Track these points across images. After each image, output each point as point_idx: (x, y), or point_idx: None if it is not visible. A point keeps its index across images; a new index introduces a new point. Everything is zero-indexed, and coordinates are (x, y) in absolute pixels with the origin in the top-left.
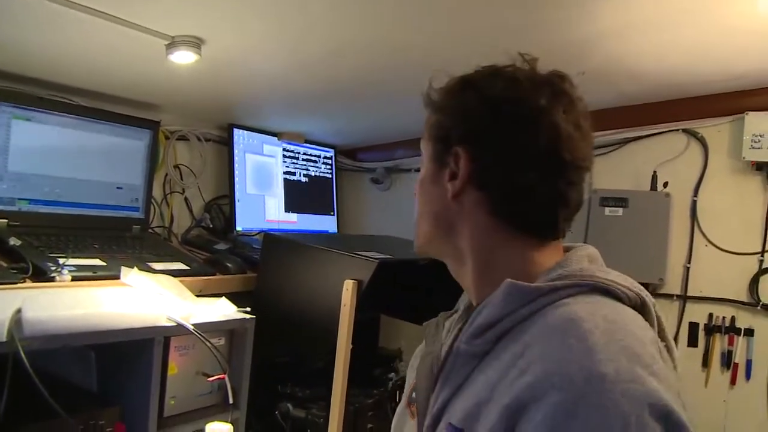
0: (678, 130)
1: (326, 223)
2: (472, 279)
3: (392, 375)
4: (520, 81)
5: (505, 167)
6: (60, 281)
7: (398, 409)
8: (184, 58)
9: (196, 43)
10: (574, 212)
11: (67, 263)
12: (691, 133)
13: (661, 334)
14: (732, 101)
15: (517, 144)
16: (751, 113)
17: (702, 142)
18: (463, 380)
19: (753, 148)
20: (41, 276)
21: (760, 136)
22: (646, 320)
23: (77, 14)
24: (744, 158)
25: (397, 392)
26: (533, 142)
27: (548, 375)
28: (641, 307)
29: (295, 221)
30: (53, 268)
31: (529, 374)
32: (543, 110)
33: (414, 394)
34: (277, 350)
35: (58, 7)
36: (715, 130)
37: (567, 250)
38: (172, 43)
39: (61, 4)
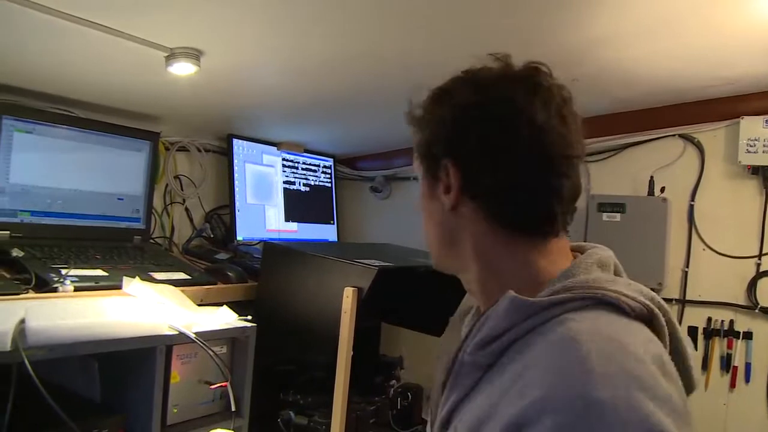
0: (674, 135)
1: (326, 232)
2: (478, 287)
3: (393, 382)
4: (491, 82)
5: (491, 171)
6: (63, 292)
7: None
8: (183, 69)
9: (195, 55)
10: (571, 204)
11: (69, 274)
12: (688, 138)
13: (674, 341)
14: (727, 106)
15: (497, 146)
16: (746, 118)
17: (698, 146)
18: (470, 389)
19: (748, 152)
20: (44, 287)
21: (755, 140)
22: (656, 331)
23: (77, 27)
24: (740, 162)
25: (398, 399)
26: (514, 142)
27: (545, 399)
28: (649, 318)
29: (295, 230)
30: (56, 279)
31: (527, 397)
32: (519, 108)
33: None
34: (279, 358)
35: (59, 21)
36: (711, 135)
37: (577, 250)
38: (172, 55)
39: (61, 17)
